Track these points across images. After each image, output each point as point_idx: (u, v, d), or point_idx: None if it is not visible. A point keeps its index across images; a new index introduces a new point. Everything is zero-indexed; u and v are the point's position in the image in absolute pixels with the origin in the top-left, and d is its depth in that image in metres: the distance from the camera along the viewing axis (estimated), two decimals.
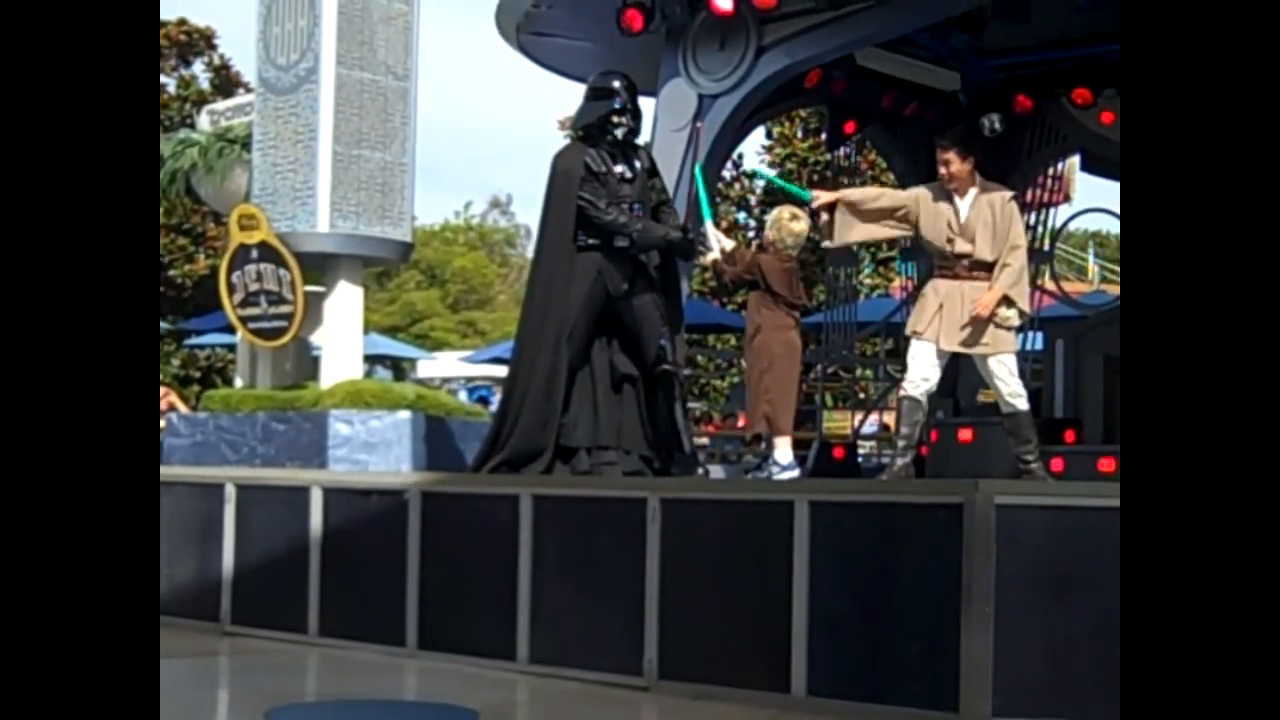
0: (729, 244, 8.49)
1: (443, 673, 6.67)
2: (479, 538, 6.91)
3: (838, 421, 18.07)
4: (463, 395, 23.42)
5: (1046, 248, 12.05)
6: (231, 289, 9.38)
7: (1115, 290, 16.94)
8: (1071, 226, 14.20)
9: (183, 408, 12.20)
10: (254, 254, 9.22)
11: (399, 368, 26.85)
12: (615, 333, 7.69)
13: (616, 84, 7.67)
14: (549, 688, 6.30)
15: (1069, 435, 9.29)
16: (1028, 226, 10.53)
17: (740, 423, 15.15)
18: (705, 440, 16.46)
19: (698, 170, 8.30)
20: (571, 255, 7.55)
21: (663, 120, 9.61)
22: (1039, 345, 10.71)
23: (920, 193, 7.41)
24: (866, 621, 5.66)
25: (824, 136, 14.04)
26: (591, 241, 7.52)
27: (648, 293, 7.65)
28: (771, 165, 22.44)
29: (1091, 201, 14.85)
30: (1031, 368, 10.69)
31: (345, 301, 9.39)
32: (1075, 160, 12.38)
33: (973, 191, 7.21)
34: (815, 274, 17.16)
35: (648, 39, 9.59)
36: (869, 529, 5.76)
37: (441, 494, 7.18)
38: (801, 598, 5.75)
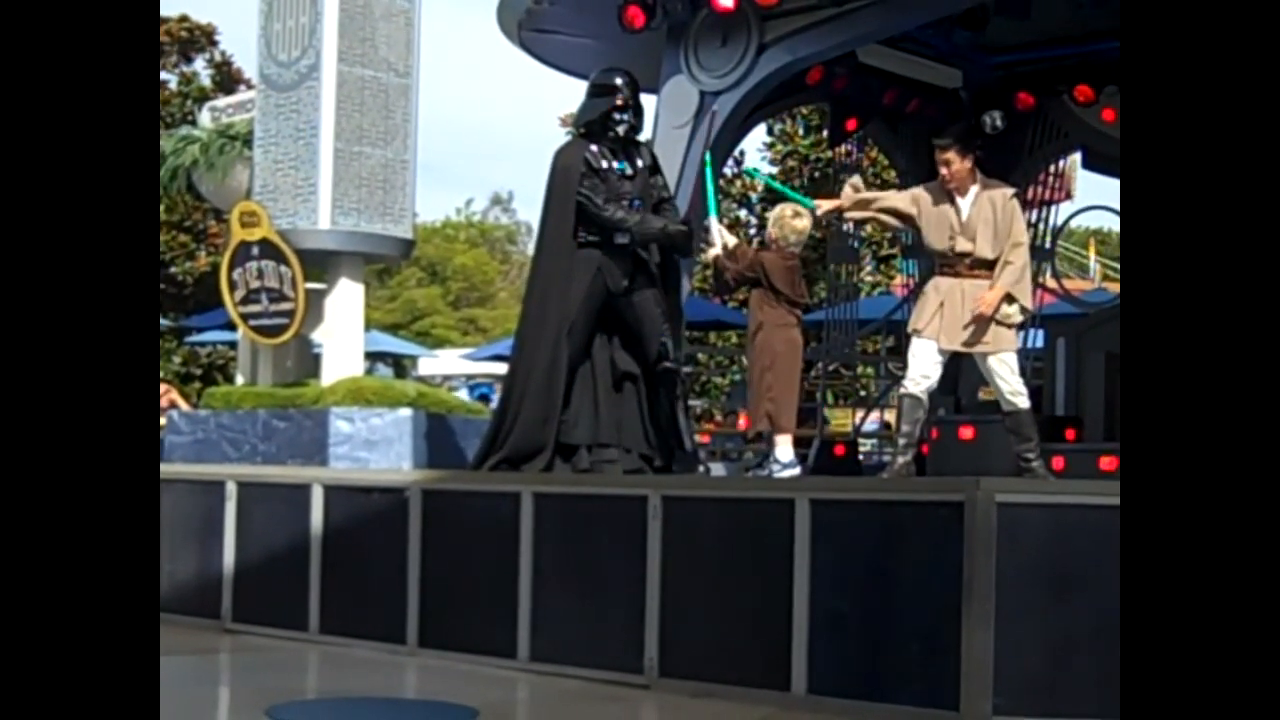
0: (732, 240, 8.47)
1: (443, 670, 6.67)
2: (480, 535, 6.91)
3: (839, 420, 18.07)
4: (464, 393, 23.42)
5: (1048, 245, 12.04)
6: (233, 286, 9.37)
7: (1116, 288, 16.93)
8: (1073, 224, 14.21)
9: (184, 405, 12.20)
10: (255, 251, 9.22)
11: (400, 365, 26.86)
12: (616, 330, 7.68)
13: (618, 81, 7.66)
14: (549, 686, 6.30)
15: (1070, 433, 9.28)
16: (1029, 224, 10.52)
17: (741, 420, 15.15)
18: (706, 438, 16.45)
19: (707, 158, 8.25)
20: (571, 252, 7.54)
21: (664, 117, 9.60)
22: (1040, 343, 10.70)
23: (920, 194, 7.41)
24: (867, 620, 5.66)
25: (825, 133, 14.03)
26: (592, 238, 7.51)
27: (648, 290, 7.64)
28: (773, 162, 22.43)
29: (1093, 199, 14.86)
30: (1033, 365, 10.68)
31: (346, 298, 9.38)
32: (1076, 157, 12.37)
33: (974, 189, 7.21)
34: (817, 271, 17.14)
35: (649, 36, 9.59)
36: (870, 527, 5.76)
37: (442, 492, 7.17)
38: (802, 596, 5.75)
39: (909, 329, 7.39)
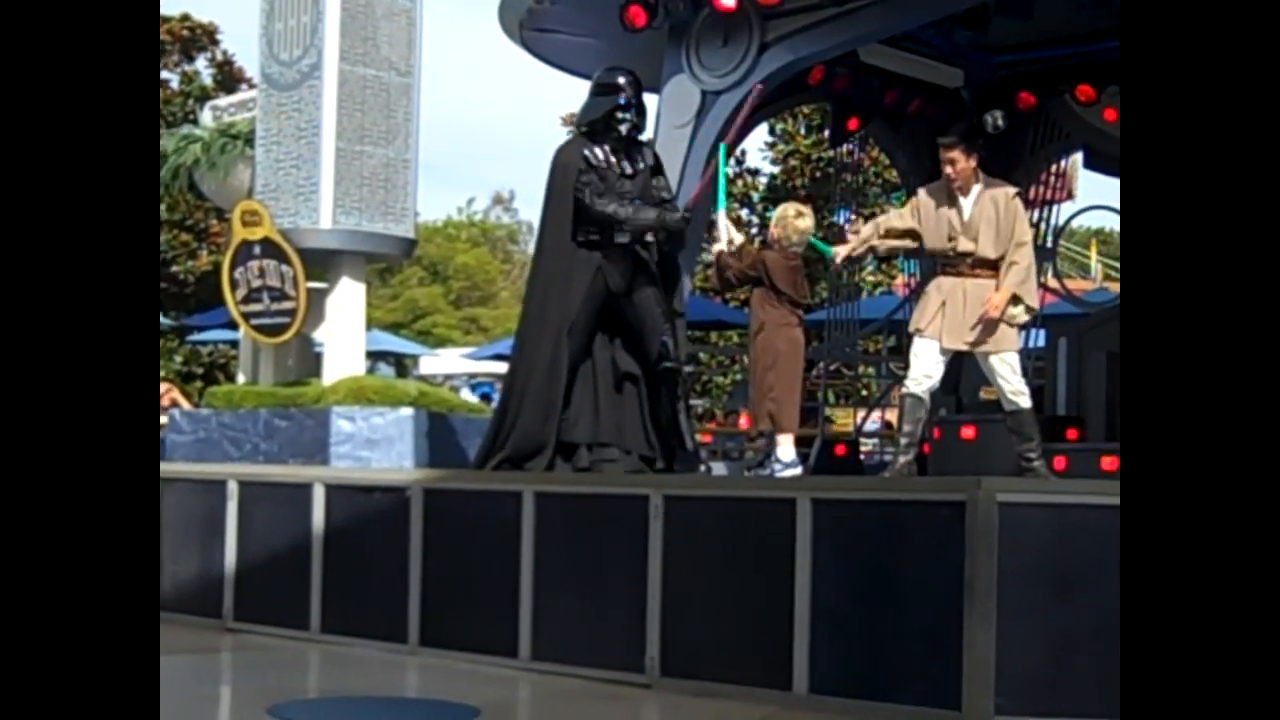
0: (739, 237, 8.46)
1: (444, 669, 6.67)
2: (481, 534, 6.91)
3: (843, 420, 18.06)
4: (465, 392, 23.44)
5: (1049, 245, 12.05)
6: (234, 285, 9.38)
7: (1118, 288, 16.92)
8: (1074, 224, 14.21)
9: (185, 404, 12.21)
10: (257, 250, 9.23)
11: (401, 364, 26.87)
12: (617, 329, 7.67)
13: (622, 80, 7.65)
14: (551, 685, 6.30)
15: (1071, 433, 9.29)
16: (1030, 224, 10.53)
17: (742, 420, 15.15)
18: (708, 438, 16.45)
19: (722, 149, 8.22)
20: (571, 251, 7.53)
21: (665, 117, 9.60)
22: (1042, 343, 10.70)
23: (918, 201, 7.41)
24: (869, 619, 5.65)
25: (827, 133, 14.03)
26: (592, 237, 7.50)
27: (649, 289, 7.63)
28: (774, 162, 22.43)
29: (1094, 199, 14.86)
30: (1034, 365, 10.68)
31: (348, 298, 9.39)
32: (1078, 157, 12.37)
33: (976, 188, 7.20)
34: (818, 271, 17.15)
35: (651, 35, 9.59)
36: (871, 527, 5.76)
37: (444, 491, 7.17)
38: (804, 595, 5.75)
39: (911, 329, 7.39)
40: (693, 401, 13.62)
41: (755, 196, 22.70)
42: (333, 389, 8.98)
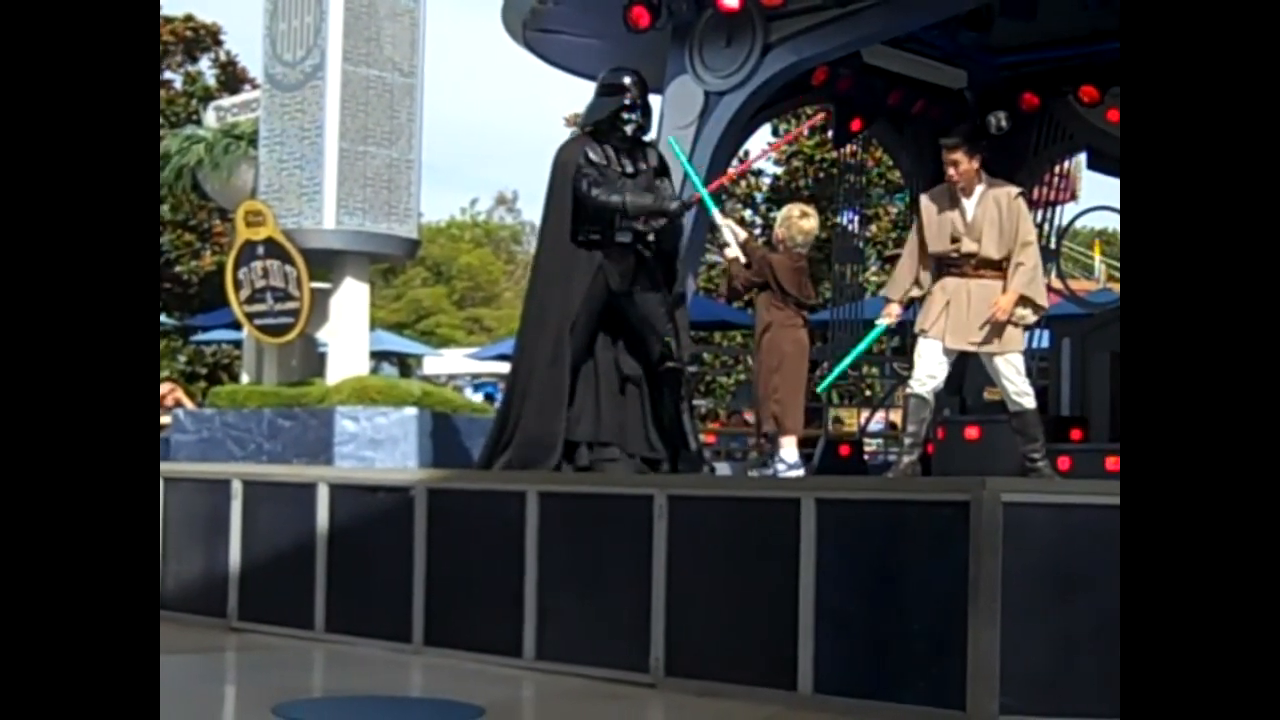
0: (743, 234, 8.46)
1: (448, 669, 6.67)
2: (485, 534, 6.91)
3: (850, 421, 18.05)
4: (469, 392, 23.43)
5: (1053, 246, 12.04)
6: (238, 285, 9.38)
7: None
8: (1078, 224, 14.20)
9: (189, 404, 12.21)
10: (260, 250, 9.23)
11: (405, 364, 26.88)
12: (619, 330, 7.67)
13: (627, 80, 7.65)
14: (555, 684, 6.30)
15: (1076, 433, 9.28)
16: (1034, 224, 10.52)
17: (747, 417, 15.14)
18: (711, 438, 16.45)
19: (671, 141, 8.16)
20: (572, 251, 7.53)
21: (669, 118, 9.59)
22: (1045, 343, 10.70)
23: (923, 206, 7.39)
24: (873, 619, 5.65)
25: (830, 134, 14.03)
26: (592, 237, 7.50)
27: (651, 289, 7.62)
28: (777, 163, 22.42)
29: (1098, 200, 14.86)
30: (1038, 365, 10.67)
31: (351, 298, 9.39)
32: (1081, 158, 12.36)
33: (979, 189, 7.20)
34: (821, 271, 17.15)
35: (654, 36, 9.58)
36: (875, 527, 5.76)
37: (448, 491, 7.18)
38: (808, 595, 5.75)
39: (915, 329, 7.39)
40: (696, 401, 13.62)
41: (759, 197, 22.70)
42: (337, 389, 8.99)
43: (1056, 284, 12.00)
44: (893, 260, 20.94)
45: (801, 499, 5.86)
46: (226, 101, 11.54)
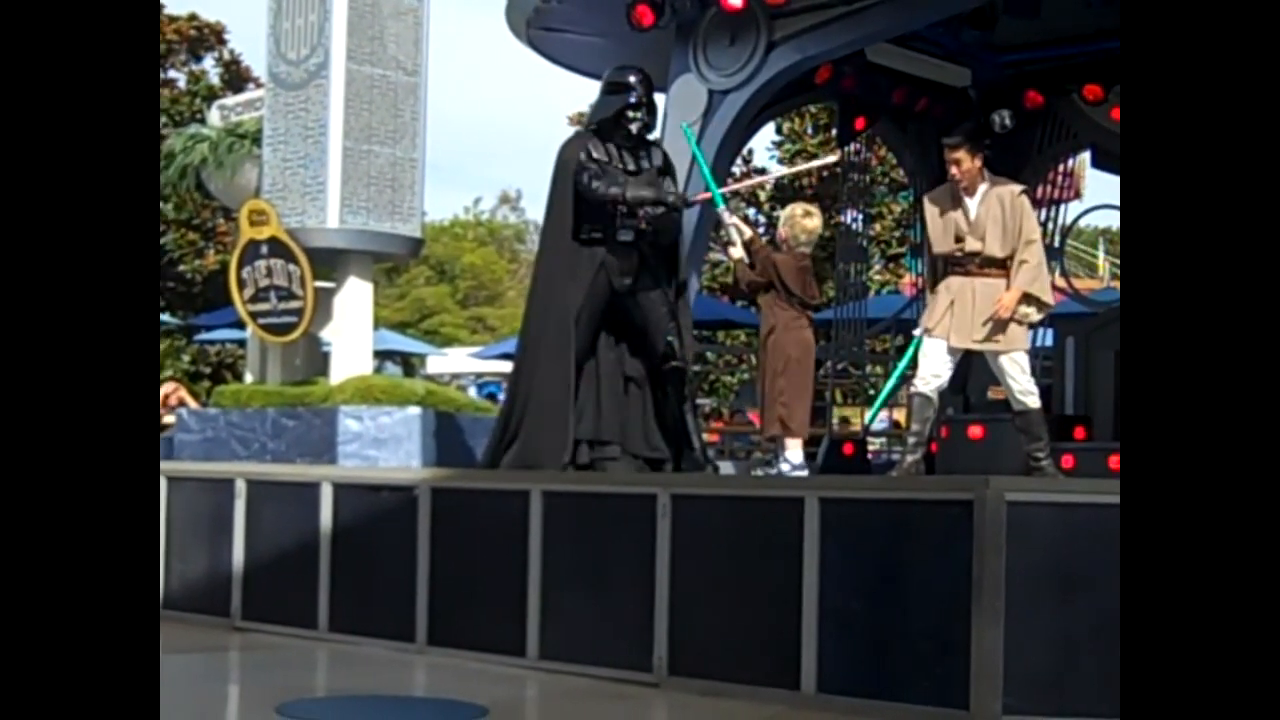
0: (748, 231, 8.45)
1: (452, 668, 6.67)
2: (489, 533, 6.91)
3: (856, 420, 18.04)
4: (472, 391, 23.44)
5: (1057, 244, 12.03)
6: (241, 284, 9.38)
7: None
8: (1082, 223, 14.19)
9: (193, 403, 12.21)
10: (264, 249, 9.22)
11: (409, 363, 26.88)
12: (622, 330, 7.66)
13: (632, 78, 7.64)
14: (558, 684, 6.30)
15: (1079, 432, 9.28)
16: (1038, 223, 10.52)
17: (751, 417, 15.14)
18: (715, 437, 16.45)
19: (684, 127, 8.13)
20: (574, 249, 7.52)
21: (673, 116, 9.60)
22: (1049, 342, 10.70)
23: (926, 207, 7.39)
24: (876, 618, 5.65)
25: (834, 132, 14.02)
26: (594, 235, 7.49)
27: (654, 288, 7.61)
28: (781, 161, 22.42)
29: (1102, 198, 14.84)
30: (1042, 364, 10.67)
31: (355, 297, 9.39)
32: (1085, 157, 12.36)
33: (982, 188, 7.19)
34: (825, 270, 17.14)
35: (658, 34, 9.59)
36: (879, 525, 5.75)
37: (451, 490, 7.18)
38: (811, 594, 5.75)
39: (919, 328, 7.38)
40: (699, 401, 13.62)
41: (762, 196, 22.69)
42: (340, 388, 8.99)
43: (1060, 282, 12.00)
44: (896, 259, 20.97)
45: (805, 498, 5.85)
46: (230, 100, 11.53)
